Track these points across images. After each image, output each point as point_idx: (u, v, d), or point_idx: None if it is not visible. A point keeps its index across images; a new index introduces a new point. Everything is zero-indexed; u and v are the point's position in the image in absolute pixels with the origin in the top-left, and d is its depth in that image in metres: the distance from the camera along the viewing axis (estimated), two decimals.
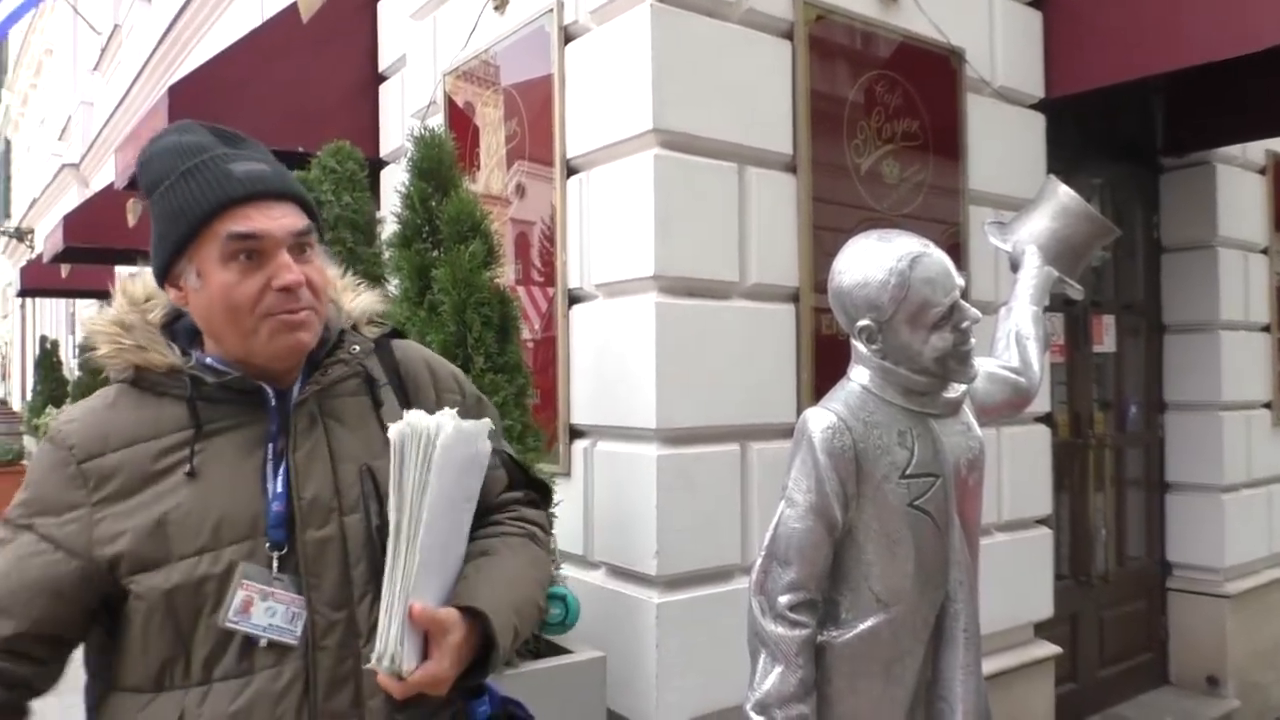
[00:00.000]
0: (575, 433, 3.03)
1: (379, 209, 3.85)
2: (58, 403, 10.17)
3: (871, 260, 1.81)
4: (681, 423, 2.74)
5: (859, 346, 1.85)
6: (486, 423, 1.33)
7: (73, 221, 7.49)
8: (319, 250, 1.36)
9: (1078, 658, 4.34)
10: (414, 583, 1.23)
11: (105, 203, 7.17)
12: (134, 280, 1.39)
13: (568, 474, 2.98)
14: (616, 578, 2.84)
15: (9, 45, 21.07)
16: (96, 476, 1.26)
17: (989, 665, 2.46)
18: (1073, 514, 4.43)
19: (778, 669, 1.72)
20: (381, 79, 4.38)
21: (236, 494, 1.27)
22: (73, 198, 12.03)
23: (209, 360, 1.32)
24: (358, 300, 1.47)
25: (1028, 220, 2.47)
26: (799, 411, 2.89)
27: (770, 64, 2.99)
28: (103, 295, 11.95)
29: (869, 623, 1.78)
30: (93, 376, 8.61)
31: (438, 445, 1.23)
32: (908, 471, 1.78)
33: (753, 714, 1.74)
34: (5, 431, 12.87)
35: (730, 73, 2.87)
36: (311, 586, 1.27)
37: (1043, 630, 3.89)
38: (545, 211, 3.14)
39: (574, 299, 3.04)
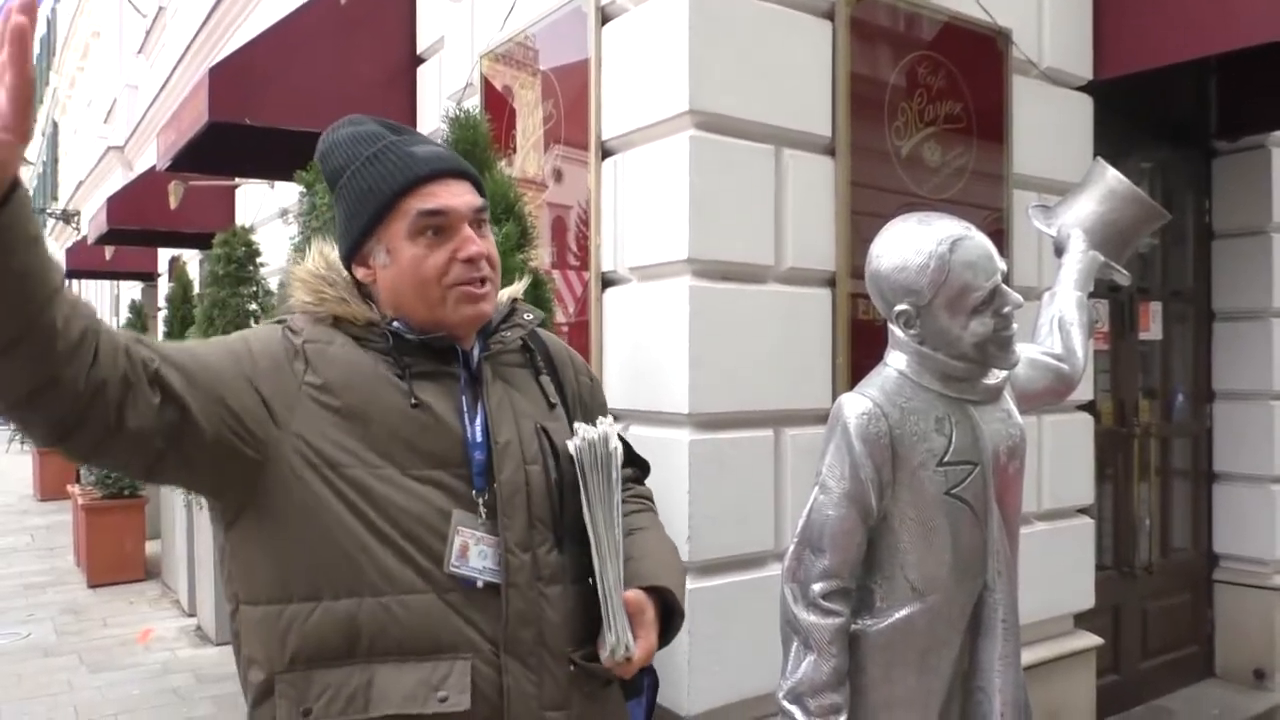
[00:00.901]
0: None
1: None
2: None
3: (910, 243, 1.76)
4: (714, 407, 2.71)
5: (896, 331, 1.82)
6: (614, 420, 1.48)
7: (116, 203, 7.57)
8: (490, 229, 1.46)
9: (1120, 649, 4.27)
10: (623, 577, 1.39)
11: (148, 185, 7.25)
12: (331, 246, 1.48)
13: None
14: None
15: (57, 27, 21.38)
16: (317, 359, 1.35)
17: (1028, 656, 2.41)
18: (1115, 504, 4.35)
19: (810, 657, 1.70)
20: (419, 61, 4.38)
21: (442, 427, 1.36)
22: (117, 180, 12.19)
23: (397, 324, 1.41)
24: (507, 289, 1.56)
25: (1074, 204, 2.40)
26: (834, 397, 2.85)
27: (810, 45, 2.94)
28: (146, 277, 12.13)
29: (904, 612, 1.74)
30: None
31: (613, 452, 1.40)
32: (945, 459, 1.74)
33: (785, 703, 1.72)
34: None
35: (769, 54, 2.83)
36: (505, 527, 1.35)
37: (1084, 621, 3.83)
38: (582, 195, 3.12)
39: (607, 282, 3.02)
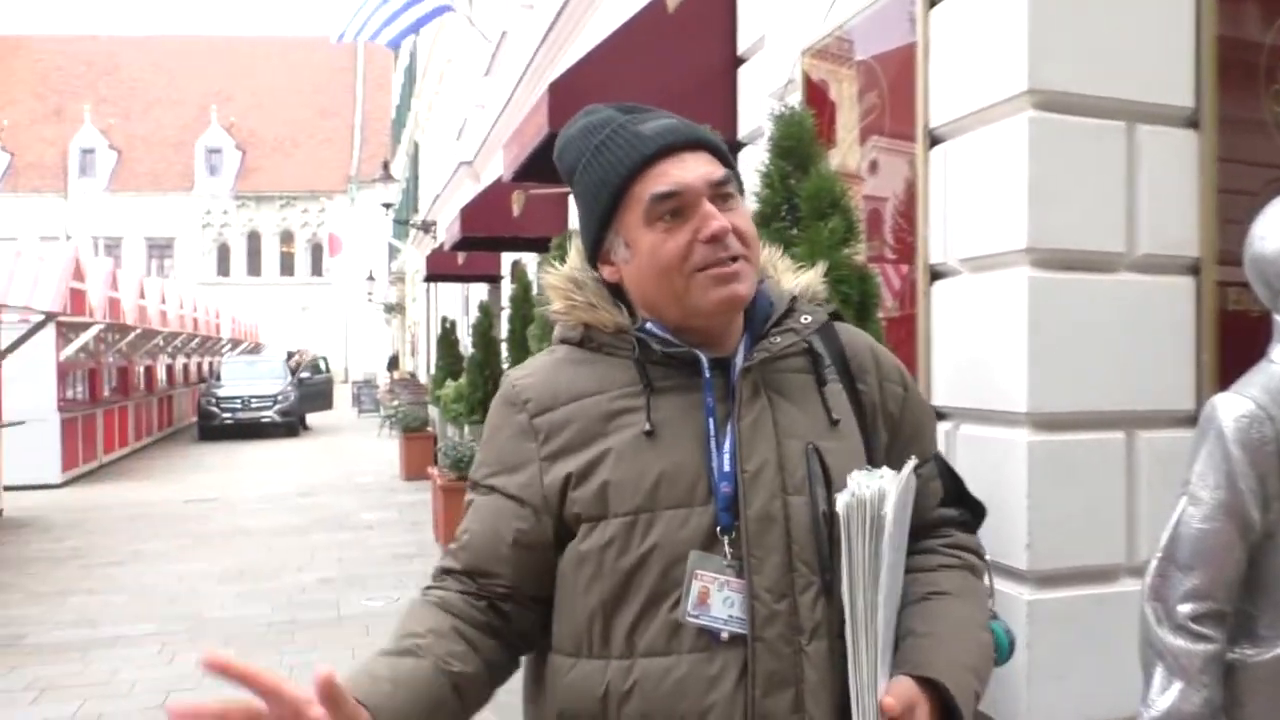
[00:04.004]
0: (936, 414, 2.90)
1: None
2: (455, 376, 11.42)
3: None
4: (1057, 407, 2.53)
5: None
6: (913, 461, 1.23)
7: (467, 213, 8.36)
8: (740, 200, 1.29)
9: None
10: (880, 668, 1.15)
11: (493, 196, 7.95)
12: None
13: None
14: None
15: (418, 58, 23.92)
16: (547, 429, 1.26)
17: None
18: None
19: (1177, 685, 1.54)
20: (740, 61, 4.44)
21: (679, 459, 1.22)
22: (467, 192, 13.43)
23: (650, 326, 1.28)
24: (799, 279, 1.37)
25: None
26: (1197, 397, 2.58)
27: (1168, 8, 2.66)
28: (491, 280, 13.27)
29: None
30: (484, 350, 9.53)
31: (887, 515, 1.15)
32: None
33: None
34: (413, 402, 14.72)
35: (1119, 21, 2.59)
36: (753, 570, 1.17)
37: None
38: (899, 187, 3.03)
39: (935, 274, 2.91)
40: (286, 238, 49.71)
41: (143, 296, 17.85)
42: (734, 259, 1.22)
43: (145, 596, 7.16)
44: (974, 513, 1.44)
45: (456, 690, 1.19)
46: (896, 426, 1.35)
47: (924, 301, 2.92)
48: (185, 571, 7.94)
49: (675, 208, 1.22)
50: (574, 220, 8.01)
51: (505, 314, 8.43)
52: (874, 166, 3.21)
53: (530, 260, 9.93)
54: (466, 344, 11.49)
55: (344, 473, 14.28)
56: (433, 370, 14.58)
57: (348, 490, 12.49)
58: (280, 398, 20.58)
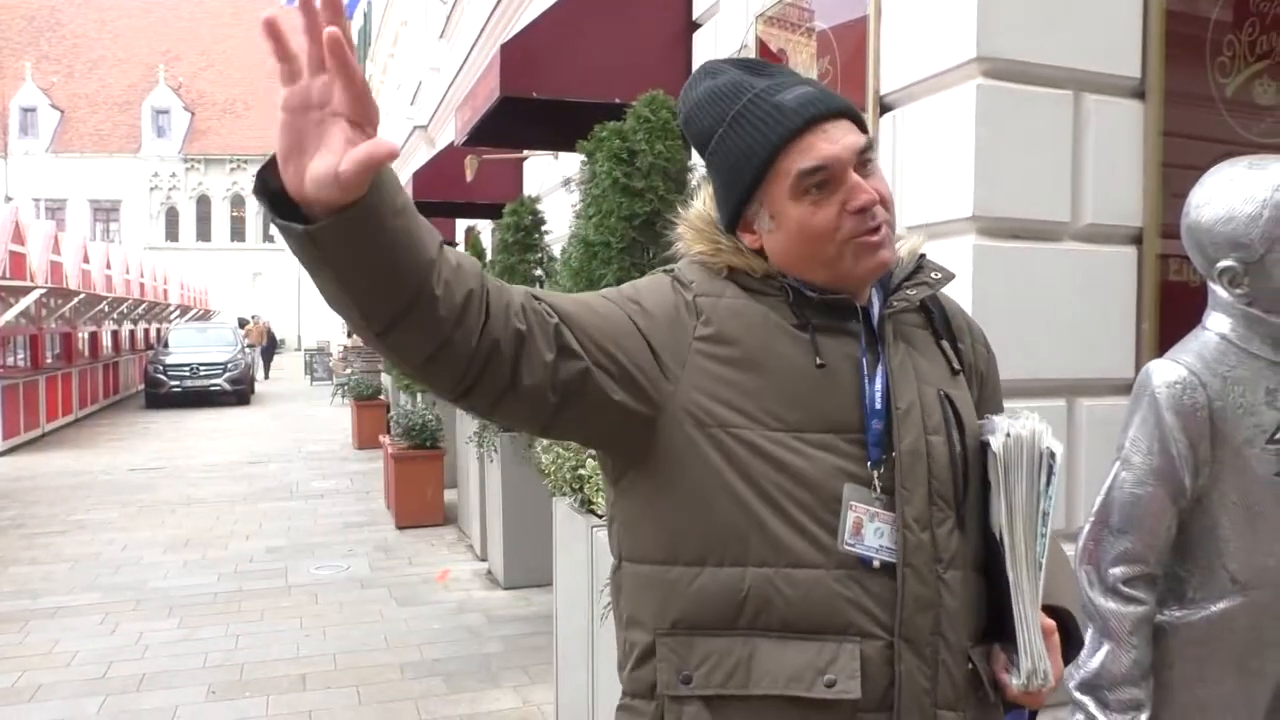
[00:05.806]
0: None
1: (691, 157, 3.89)
2: None
3: (1239, 191, 1.57)
4: (1001, 374, 2.55)
5: (1219, 291, 1.62)
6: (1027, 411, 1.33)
7: (420, 178, 8.22)
8: (877, 164, 1.31)
9: None
10: (1040, 597, 1.25)
11: (447, 160, 7.82)
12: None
13: None
14: None
15: (371, 20, 23.46)
16: (709, 311, 1.27)
17: None
18: None
19: (1107, 647, 1.57)
20: (695, 27, 4.40)
21: (839, 387, 1.25)
22: (422, 156, 13.23)
23: (795, 281, 1.30)
24: (904, 245, 1.40)
25: None
26: (1138, 365, 2.61)
27: None
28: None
29: (1221, 605, 1.57)
30: None
31: (1043, 456, 1.24)
32: (1277, 436, 1.54)
33: (1078, 694, 1.60)
34: (365, 370, 14.56)
35: None
36: (904, 500, 1.23)
37: None
38: None
39: None
40: (237, 202, 48.70)
41: (87, 261, 17.41)
42: (877, 228, 1.25)
43: (88, 566, 7.04)
44: None
45: (423, 269, 1.06)
46: (983, 383, 1.45)
47: None
48: (130, 541, 7.82)
49: (822, 180, 1.23)
50: (530, 186, 7.92)
51: None
52: None
53: (484, 226, 9.82)
54: None
55: (295, 441, 14.12)
56: None
57: (298, 459, 12.36)
58: (230, 365, 20.29)
